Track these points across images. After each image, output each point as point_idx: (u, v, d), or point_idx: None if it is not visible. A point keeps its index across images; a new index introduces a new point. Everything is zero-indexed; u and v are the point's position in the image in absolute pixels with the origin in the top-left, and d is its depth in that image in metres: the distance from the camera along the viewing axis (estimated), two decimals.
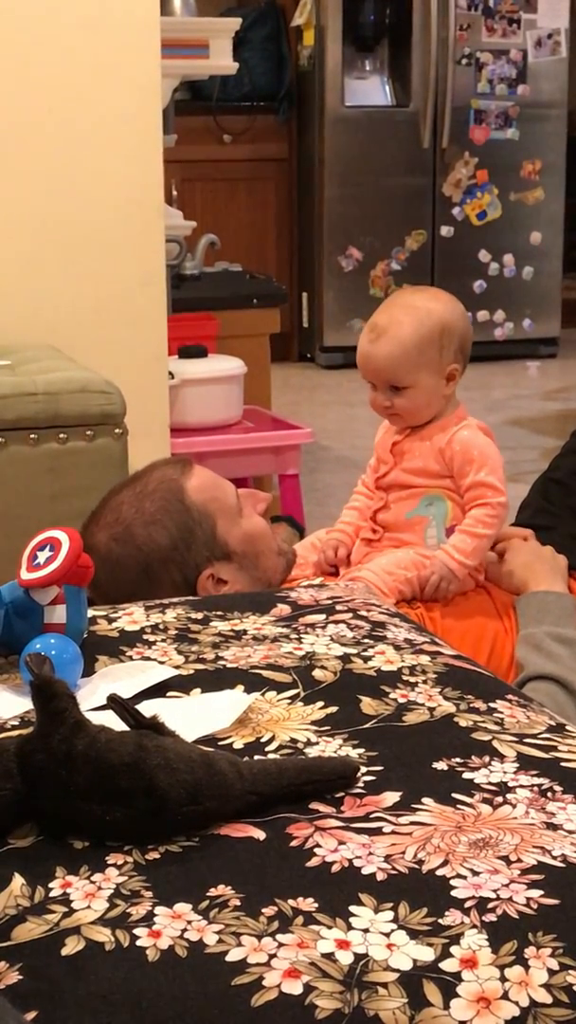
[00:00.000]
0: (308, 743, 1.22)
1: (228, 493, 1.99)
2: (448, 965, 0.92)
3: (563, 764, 1.20)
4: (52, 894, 0.99)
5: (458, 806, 1.12)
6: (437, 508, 2.11)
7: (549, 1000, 0.90)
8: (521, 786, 1.15)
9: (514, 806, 1.12)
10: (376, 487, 2.16)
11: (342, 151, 6.37)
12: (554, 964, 0.92)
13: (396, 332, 2.08)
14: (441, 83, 6.36)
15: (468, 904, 0.97)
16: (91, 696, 1.30)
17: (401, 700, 1.32)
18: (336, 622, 1.53)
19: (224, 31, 3.82)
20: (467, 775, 1.17)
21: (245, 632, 1.51)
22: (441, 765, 1.19)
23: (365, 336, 2.11)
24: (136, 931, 0.94)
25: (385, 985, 0.90)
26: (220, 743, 1.21)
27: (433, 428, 2.12)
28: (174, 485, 1.95)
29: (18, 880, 1.01)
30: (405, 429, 2.14)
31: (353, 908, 0.97)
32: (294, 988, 0.89)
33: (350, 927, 0.95)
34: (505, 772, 1.18)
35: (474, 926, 0.95)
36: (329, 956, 0.92)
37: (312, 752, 1.21)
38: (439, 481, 2.12)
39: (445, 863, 1.02)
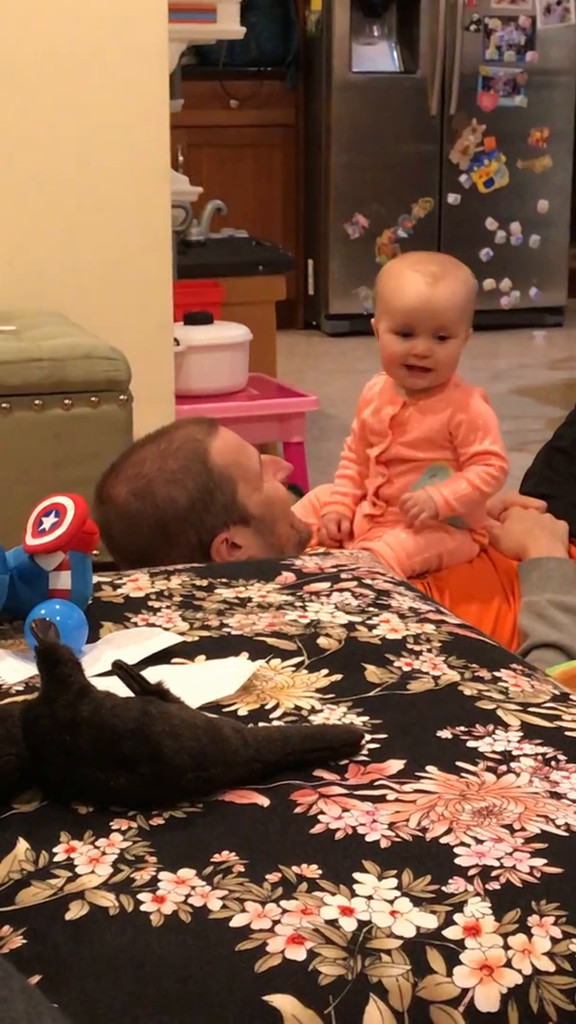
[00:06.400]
0: (312, 711, 1.22)
1: (251, 458, 1.98)
2: (451, 932, 0.92)
3: (567, 733, 1.20)
4: (56, 859, 0.99)
5: (462, 774, 1.12)
6: (441, 479, 2.10)
7: (552, 968, 0.90)
8: (525, 755, 1.16)
9: (518, 775, 1.12)
10: (376, 462, 2.14)
11: (349, 117, 6.34)
12: (557, 932, 0.92)
13: (454, 278, 2.09)
14: (449, 49, 6.32)
15: (472, 872, 0.98)
16: (96, 662, 1.31)
17: (405, 668, 1.32)
18: (341, 590, 1.53)
19: None
20: (471, 744, 1.17)
21: (250, 599, 1.51)
22: (445, 733, 1.19)
23: (420, 280, 2.07)
24: (140, 896, 0.95)
25: (388, 952, 0.90)
26: (225, 710, 1.21)
27: (433, 398, 2.11)
28: (199, 446, 1.94)
29: (22, 845, 1.01)
30: (402, 401, 2.11)
31: (357, 875, 0.97)
32: (298, 954, 0.89)
33: (354, 894, 0.95)
34: (509, 741, 1.18)
35: (477, 894, 0.95)
36: (333, 923, 0.92)
37: (316, 720, 1.21)
38: (441, 452, 2.11)
39: (449, 831, 1.03)
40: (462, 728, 1.20)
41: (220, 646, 1.37)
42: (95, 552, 1.49)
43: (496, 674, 1.32)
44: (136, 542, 1.90)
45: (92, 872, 0.98)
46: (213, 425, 1.99)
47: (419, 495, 2.06)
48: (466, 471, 2.08)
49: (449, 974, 0.89)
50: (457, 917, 0.93)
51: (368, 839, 1.01)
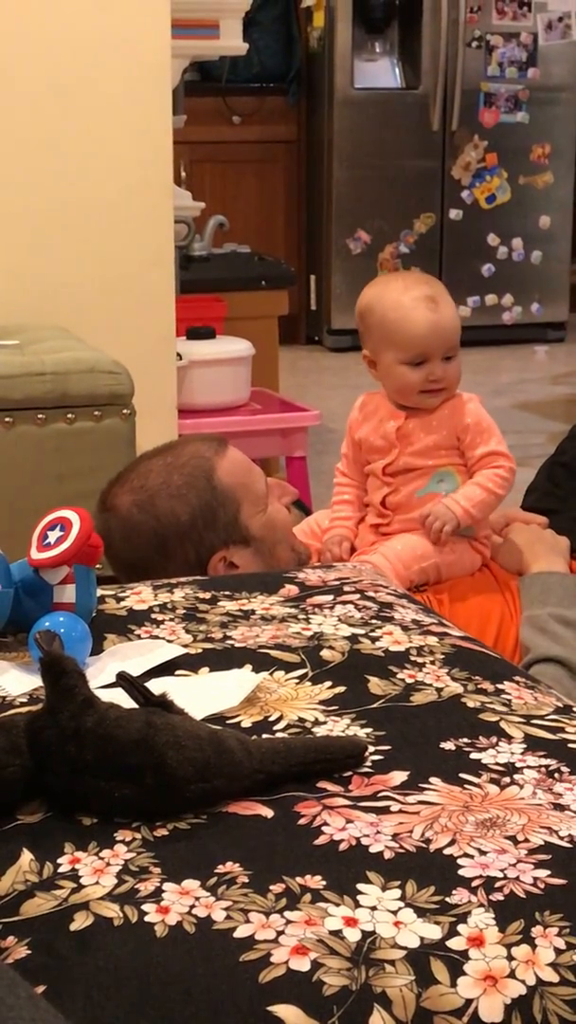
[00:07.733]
0: (316, 722, 1.23)
1: (257, 480, 1.98)
2: (455, 943, 0.92)
3: (570, 745, 1.20)
4: (61, 870, 1.00)
5: (465, 786, 1.12)
6: (448, 483, 2.11)
7: (556, 979, 0.90)
8: (528, 767, 1.16)
9: (521, 787, 1.12)
10: (383, 474, 2.14)
11: (351, 133, 6.35)
12: (560, 943, 0.92)
13: (447, 300, 2.11)
14: (451, 66, 6.34)
15: (475, 883, 0.98)
16: (100, 674, 1.31)
17: (409, 680, 1.33)
18: (344, 603, 1.54)
19: (234, 11, 3.81)
20: (474, 755, 1.17)
21: (253, 612, 1.51)
22: (449, 745, 1.19)
23: (423, 307, 2.07)
24: (144, 907, 0.95)
25: (392, 962, 0.90)
26: (228, 722, 1.22)
27: (436, 406, 2.13)
28: (205, 463, 1.94)
29: (27, 856, 1.01)
30: (404, 414, 2.13)
31: (360, 886, 0.97)
32: (302, 965, 0.89)
33: (358, 905, 0.95)
34: (512, 753, 1.18)
35: (481, 905, 0.95)
36: (337, 933, 0.92)
37: (320, 731, 1.21)
38: (449, 457, 2.12)
39: (452, 842, 1.03)
40: (465, 740, 1.20)
41: (223, 658, 1.37)
42: (99, 566, 1.50)
43: (499, 686, 1.33)
44: (134, 552, 1.91)
45: (96, 883, 0.98)
46: (223, 444, 1.99)
47: (439, 509, 2.07)
48: (476, 476, 2.09)
49: (453, 985, 0.89)
50: (461, 928, 0.93)
51: (372, 850, 1.02)
